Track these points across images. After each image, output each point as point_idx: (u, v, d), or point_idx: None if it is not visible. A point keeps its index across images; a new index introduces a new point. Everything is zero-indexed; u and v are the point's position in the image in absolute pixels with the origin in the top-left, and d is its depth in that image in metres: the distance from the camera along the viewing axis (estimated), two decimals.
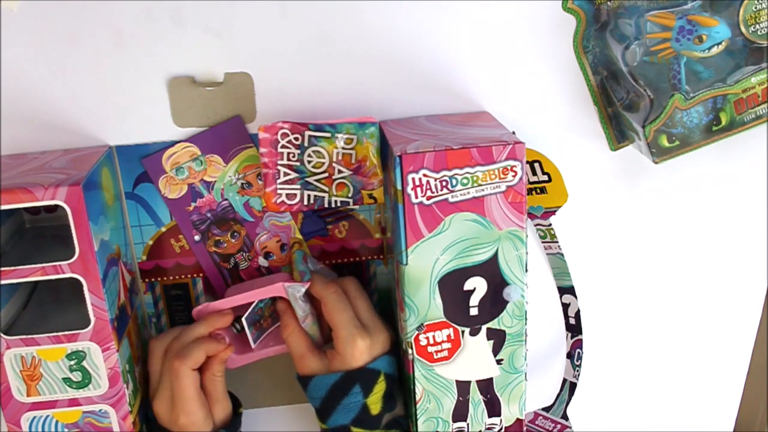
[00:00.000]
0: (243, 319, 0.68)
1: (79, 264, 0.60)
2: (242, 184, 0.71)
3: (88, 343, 0.63)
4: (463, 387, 0.67)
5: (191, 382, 0.66)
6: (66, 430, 0.66)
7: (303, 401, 0.80)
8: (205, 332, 0.69)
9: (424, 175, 0.60)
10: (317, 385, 0.67)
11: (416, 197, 0.61)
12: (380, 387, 0.68)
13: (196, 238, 0.72)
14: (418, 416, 0.67)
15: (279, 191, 0.66)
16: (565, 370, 0.79)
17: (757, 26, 0.66)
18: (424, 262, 0.63)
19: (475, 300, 0.64)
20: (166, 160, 0.69)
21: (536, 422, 0.81)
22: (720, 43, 0.66)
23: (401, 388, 0.70)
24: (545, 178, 0.73)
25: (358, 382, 0.67)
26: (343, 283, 0.70)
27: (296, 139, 0.65)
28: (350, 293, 0.69)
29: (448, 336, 0.65)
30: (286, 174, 0.65)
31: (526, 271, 0.64)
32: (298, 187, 0.66)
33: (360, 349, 0.66)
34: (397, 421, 0.69)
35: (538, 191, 0.74)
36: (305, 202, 0.66)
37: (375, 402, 0.67)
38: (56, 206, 0.59)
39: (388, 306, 0.76)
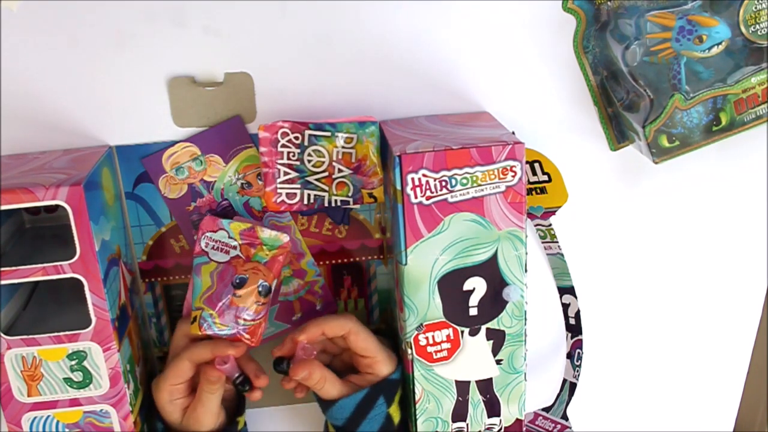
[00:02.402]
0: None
1: (80, 264, 0.60)
2: (242, 184, 0.71)
3: (89, 343, 0.63)
4: (462, 387, 0.67)
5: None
6: (67, 430, 0.66)
7: (303, 401, 0.80)
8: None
9: (424, 175, 0.60)
10: (343, 406, 0.68)
11: (416, 197, 0.61)
12: (398, 394, 0.69)
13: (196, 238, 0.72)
14: (417, 416, 0.67)
15: (279, 190, 0.66)
16: (565, 371, 0.79)
17: (757, 26, 0.66)
18: (424, 262, 0.63)
19: (474, 300, 0.64)
20: (166, 160, 0.69)
21: (536, 422, 0.81)
22: (720, 44, 0.66)
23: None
24: (545, 178, 0.73)
25: (382, 394, 0.68)
26: (346, 327, 0.68)
27: (296, 138, 0.65)
28: (359, 336, 0.68)
29: (448, 336, 0.65)
30: (286, 173, 0.65)
31: (526, 271, 0.64)
32: (298, 186, 0.66)
33: (396, 365, 0.68)
34: (406, 424, 0.70)
35: (538, 191, 0.74)
36: (305, 202, 0.66)
37: (395, 410, 0.69)
38: (56, 206, 0.59)
39: (388, 306, 0.76)
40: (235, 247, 0.67)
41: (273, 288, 0.67)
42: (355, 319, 0.68)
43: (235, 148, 0.69)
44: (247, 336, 0.66)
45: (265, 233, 0.67)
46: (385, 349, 0.69)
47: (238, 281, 0.66)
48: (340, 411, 0.68)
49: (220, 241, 0.67)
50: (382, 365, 0.68)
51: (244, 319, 0.65)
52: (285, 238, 0.67)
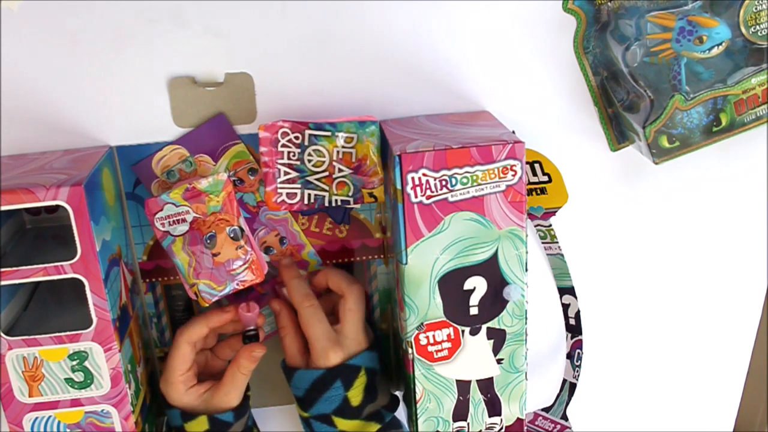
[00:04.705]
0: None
1: (81, 264, 0.60)
2: (234, 180, 0.70)
3: (90, 344, 0.63)
4: (463, 386, 0.67)
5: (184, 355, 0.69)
6: (68, 430, 0.66)
7: None
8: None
9: (424, 175, 0.60)
10: (300, 378, 0.69)
11: (416, 197, 0.61)
12: (361, 381, 0.69)
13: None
14: (418, 416, 0.67)
15: (279, 190, 0.66)
16: (565, 371, 0.79)
17: (758, 27, 0.66)
18: (424, 262, 0.63)
19: (475, 299, 0.64)
20: (156, 164, 0.69)
21: (536, 422, 0.81)
22: (720, 44, 0.66)
23: (385, 380, 0.72)
24: (545, 178, 0.73)
25: (339, 378, 0.68)
26: (346, 291, 0.70)
27: (296, 138, 0.65)
28: (347, 304, 0.70)
29: (448, 335, 0.65)
30: (286, 173, 0.65)
31: (526, 270, 0.64)
32: (299, 186, 0.66)
33: (332, 361, 0.68)
34: (380, 412, 0.70)
35: (539, 192, 0.74)
36: (305, 201, 0.66)
37: (356, 395, 0.69)
38: (57, 207, 0.59)
39: (388, 305, 0.76)
40: (187, 212, 0.66)
41: (242, 225, 0.66)
42: (315, 305, 0.69)
43: (222, 146, 0.69)
44: (249, 279, 0.66)
45: (203, 184, 0.65)
46: (328, 343, 0.68)
47: (208, 241, 0.66)
48: (299, 380, 0.69)
49: (171, 215, 0.66)
50: (317, 356, 0.68)
51: (236, 268, 0.66)
52: (222, 176, 0.66)
